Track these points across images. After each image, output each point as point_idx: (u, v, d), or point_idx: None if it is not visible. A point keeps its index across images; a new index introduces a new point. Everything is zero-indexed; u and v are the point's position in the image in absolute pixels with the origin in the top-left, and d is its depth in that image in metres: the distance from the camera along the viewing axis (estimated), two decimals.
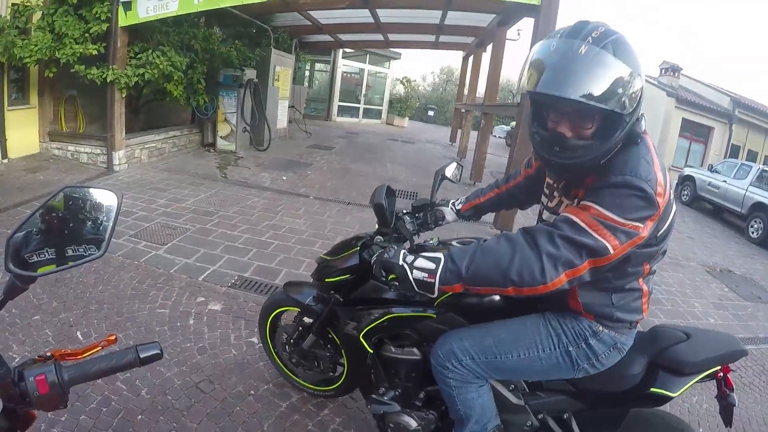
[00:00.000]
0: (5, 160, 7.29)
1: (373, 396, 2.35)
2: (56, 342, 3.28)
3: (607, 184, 1.54)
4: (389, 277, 1.77)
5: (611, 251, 1.50)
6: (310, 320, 2.73)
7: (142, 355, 1.02)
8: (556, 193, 1.89)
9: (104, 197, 1.08)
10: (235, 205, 6.74)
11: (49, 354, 1.02)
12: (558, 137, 1.63)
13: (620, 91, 1.48)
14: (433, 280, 1.63)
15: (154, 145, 8.74)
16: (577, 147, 1.61)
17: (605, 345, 1.83)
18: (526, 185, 2.37)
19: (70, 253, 1.02)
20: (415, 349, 2.24)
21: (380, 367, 2.37)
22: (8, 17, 7.05)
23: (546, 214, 1.94)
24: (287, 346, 2.91)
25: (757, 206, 11.69)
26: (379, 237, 2.22)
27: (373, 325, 2.24)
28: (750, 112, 21.72)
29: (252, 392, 3.07)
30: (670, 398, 1.91)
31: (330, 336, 2.75)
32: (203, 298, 4.11)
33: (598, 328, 1.82)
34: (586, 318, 1.84)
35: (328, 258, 2.40)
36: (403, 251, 1.74)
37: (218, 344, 3.51)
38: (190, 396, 2.97)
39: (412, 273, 1.66)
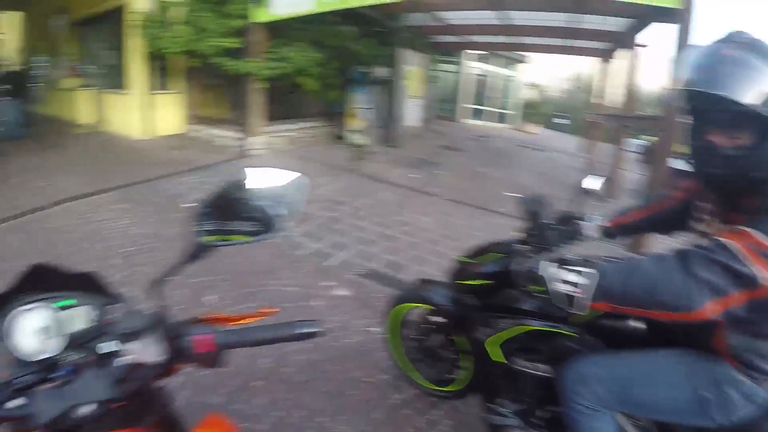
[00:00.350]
0: (151, 137, 7.98)
1: (493, 406, 2.30)
2: (188, 304, 3.49)
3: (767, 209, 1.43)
4: (535, 289, 1.71)
5: None
6: (440, 319, 2.70)
7: (303, 331, 1.03)
8: (708, 218, 1.77)
9: (294, 179, 1.12)
10: (365, 198, 6.90)
11: (205, 318, 1.07)
12: (713, 147, 1.54)
13: None
14: (580, 295, 1.54)
15: (288, 134, 9.19)
16: (733, 157, 1.51)
17: (744, 397, 1.66)
18: (676, 209, 2.19)
19: (246, 228, 1.06)
20: (546, 366, 2.14)
21: (508, 377, 2.28)
22: (154, 12, 7.75)
23: (697, 240, 1.78)
24: (411, 341, 2.91)
25: None
26: (523, 245, 2.12)
27: (507, 334, 2.17)
28: None
29: (367, 379, 3.10)
30: None
31: (456, 338, 2.70)
32: (330, 283, 4.22)
33: (739, 377, 1.65)
34: (728, 363, 1.68)
35: (467, 260, 2.36)
36: (549, 262, 1.67)
37: (341, 328, 3.59)
38: (308, 372, 3.06)
39: (560, 286, 1.59)
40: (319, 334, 1.04)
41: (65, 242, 4.71)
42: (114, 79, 10.41)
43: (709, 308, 1.37)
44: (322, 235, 5.21)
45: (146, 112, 9.16)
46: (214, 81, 9.01)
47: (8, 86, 9.80)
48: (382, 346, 3.30)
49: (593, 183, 2.38)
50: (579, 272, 1.56)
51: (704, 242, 1.55)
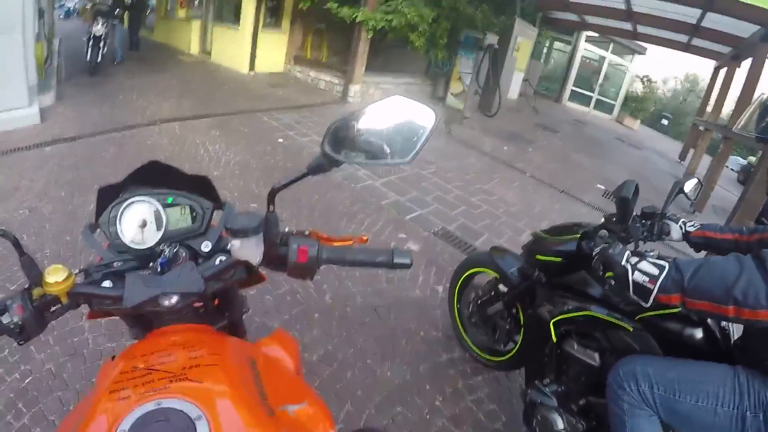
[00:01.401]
0: (252, 72, 8.17)
1: (537, 383, 2.29)
2: None
3: None
4: (606, 274, 1.70)
5: None
6: (505, 289, 2.69)
7: (396, 260, 1.05)
8: None
9: (425, 113, 1.08)
10: (453, 160, 6.87)
11: (307, 232, 1.09)
12: None
13: None
14: (652, 286, 1.53)
15: (387, 86, 9.18)
16: None
17: None
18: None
19: (381, 154, 1.05)
20: (596, 355, 2.12)
21: (556, 358, 2.29)
22: None
23: None
24: (472, 305, 2.93)
25: None
26: (604, 231, 2.07)
27: (567, 315, 2.15)
28: None
29: (421, 333, 3.15)
30: None
31: (516, 311, 2.70)
32: (405, 235, 4.28)
33: None
34: None
35: (545, 236, 2.33)
36: (627, 251, 1.65)
37: (406, 280, 3.65)
38: (366, 315, 3.16)
39: (633, 274, 1.58)
40: (406, 266, 1.06)
41: (154, 158, 4.94)
42: (224, 12, 10.81)
43: None
44: (406, 190, 5.26)
45: (252, 48, 9.36)
46: (321, 25, 9.08)
47: (122, 11, 10.30)
48: (442, 305, 3.35)
49: (690, 186, 2.34)
50: (653, 263, 1.55)
51: None
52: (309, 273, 1.05)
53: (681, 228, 2.30)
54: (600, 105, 22.73)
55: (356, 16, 7.63)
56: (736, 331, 1.89)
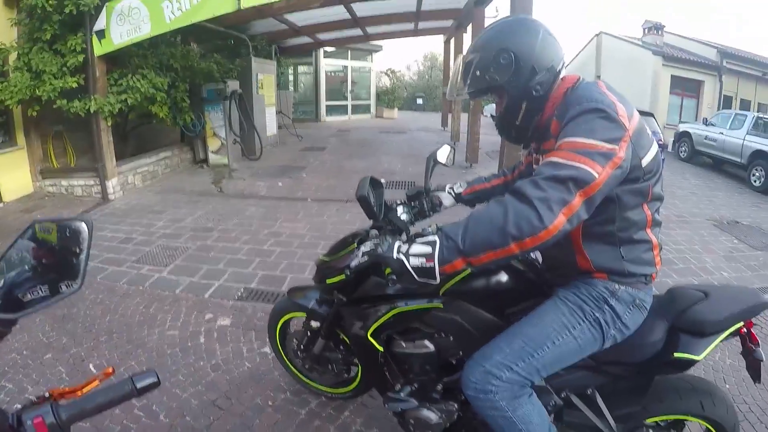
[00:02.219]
0: (1, 204, 7.24)
1: (390, 394, 2.29)
2: (70, 378, 3.22)
3: (569, 119, 1.58)
4: (386, 272, 1.73)
5: (596, 175, 1.45)
6: (317, 324, 2.67)
7: (138, 385, 1.00)
8: (536, 156, 1.94)
9: (75, 227, 1.01)
10: (233, 218, 6.69)
11: (47, 394, 0.98)
12: (497, 117, 1.92)
13: (479, 72, 1.79)
14: (432, 264, 1.53)
15: (146, 168, 8.67)
16: (502, 118, 1.89)
17: (625, 303, 1.78)
18: (528, 173, 2.24)
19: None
20: (426, 342, 2.17)
21: (393, 363, 2.31)
22: None
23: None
24: (299, 353, 2.86)
25: (757, 154, 11.59)
26: (374, 231, 2.12)
27: (379, 322, 2.17)
28: (738, 61, 21.55)
29: (270, 403, 3.02)
30: (695, 362, 1.84)
31: (340, 337, 2.69)
32: (211, 315, 4.06)
33: (614, 287, 1.77)
34: (599, 279, 1.79)
35: (326, 259, 2.33)
36: (398, 243, 1.64)
37: (231, 359, 3.46)
38: (209, 414, 2.92)
39: (409, 261, 1.56)
40: (154, 386, 1.02)
41: None
42: None
43: (559, 221, 1.42)
44: (195, 268, 4.98)
45: None
46: (59, 127, 8.26)
47: None
48: (276, 365, 3.24)
49: (444, 154, 2.42)
50: (423, 242, 1.58)
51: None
52: None
53: (451, 194, 2.43)
54: (357, 109, 23.99)
55: (89, 107, 7.04)
56: (538, 256, 2.06)
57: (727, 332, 1.86)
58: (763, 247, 6.51)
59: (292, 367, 3.05)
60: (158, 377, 1.02)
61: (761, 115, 12.90)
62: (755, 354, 1.90)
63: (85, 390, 1.02)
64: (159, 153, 9.25)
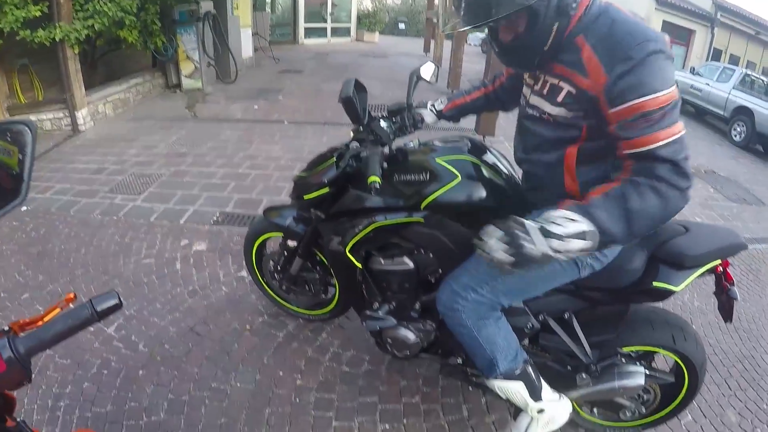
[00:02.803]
0: None
1: (367, 312, 2.25)
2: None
3: (636, 64, 1.38)
4: (369, 181, 1.68)
5: (683, 131, 1.41)
6: (294, 243, 2.57)
7: (98, 309, 0.91)
8: (539, 74, 1.71)
9: (16, 131, 0.91)
10: (208, 142, 6.45)
11: (6, 328, 0.91)
12: (499, 44, 1.65)
13: None
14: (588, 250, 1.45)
15: (117, 96, 8.25)
16: (512, 45, 1.61)
17: None
18: (510, 84, 2.19)
19: None
20: (405, 258, 2.09)
21: (371, 281, 2.24)
22: None
23: (534, 99, 1.73)
24: (275, 274, 2.78)
25: (740, 110, 11.49)
26: (354, 143, 2.02)
27: (358, 237, 2.09)
28: (732, 16, 21.15)
29: (248, 327, 2.97)
30: (672, 292, 1.84)
31: (317, 257, 2.62)
32: (187, 241, 3.95)
33: None
34: None
35: (304, 174, 2.22)
36: (539, 236, 1.41)
37: (208, 284, 3.39)
38: (187, 341, 2.87)
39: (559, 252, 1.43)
40: (116, 308, 0.94)
41: None
42: None
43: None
44: (170, 194, 4.81)
45: None
46: (24, 60, 7.74)
47: None
48: (254, 288, 3.17)
49: (427, 71, 2.29)
50: (570, 235, 1.40)
51: (541, 103, 1.67)
52: (22, 375, 0.86)
53: (432, 110, 2.34)
54: (336, 32, 22.86)
55: (54, 35, 6.58)
56: (523, 180, 1.98)
57: (704, 267, 1.86)
58: (737, 199, 6.53)
59: (269, 290, 2.98)
60: (120, 299, 0.94)
61: (749, 72, 12.72)
62: (730, 292, 1.90)
63: (46, 319, 0.95)
64: (130, 80, 8.79)
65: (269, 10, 19.16)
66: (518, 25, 1.54)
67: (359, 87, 2.06)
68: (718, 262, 1.88)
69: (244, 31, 12.35)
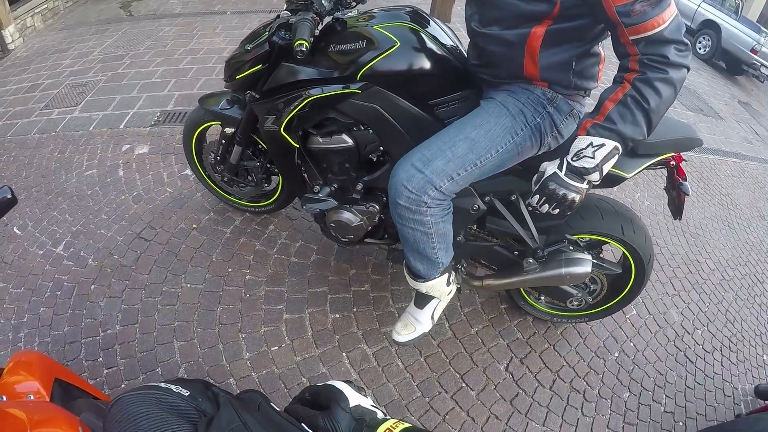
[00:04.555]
0: None
1: (307, 195, 2.07)
2: None
3: None
4: (296, 43, 1.54)
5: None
6: (232, 129, 2.34)
7: None
8: None
9: None
10: (145, 41, 5.90)
11: None
12: None
13: None
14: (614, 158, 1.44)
15: (45, 6, 7.47)
16: None
17: (562, 112, 1.65)
18: None
19: None
20: (344, 136, 1.90)
21: (310, 162, 2.05)
22: None
23: None
24: (216, 166, 2.56)
25: (707, 23, 10.99)
26: (285, 13, 1.76)
27: (292, 113, 1.89)
28: None
29: (194, 226, 2.80)
30: (623, 179, 1.80)
31: (258, 144, 2.40)
32: (128, 146, 3.65)
33: (553, 95, 1.63)
34: (539, 86, 1.63)
35: (236, 53, 1.97)
36: (571, 174, 1.47)
37: (152, 187, 3.16)
38: (135, 248, 2.70)
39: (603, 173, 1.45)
40: (12, 201, 0.91)
41: None
42: None
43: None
44: (108, 100, 4.41)
45: None
46: None
47: None
48: (198, 186, 2.96)
49: None
50: (604, 156, 1.42)
51: None
52: None
53: None
54: None
55: None
56: (472, 55, 1.77)
57: (658, 158, 1.82)
58: (695, 109, 6.52)
59: (212, 184, 2.77)
60: (13, 193, 0.91)
61: None
62: (681, 187, 1.87)
63: None
64: None
65: None
66: None
67: None
68: (672, 154, 1.83)
69: None
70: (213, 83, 4.52)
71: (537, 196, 1.52)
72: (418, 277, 1.88)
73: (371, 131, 1.87)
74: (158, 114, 4.07)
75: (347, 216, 2.02)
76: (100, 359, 2.19)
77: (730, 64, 10.69)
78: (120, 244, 2.73)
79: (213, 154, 2.54)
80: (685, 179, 1.88)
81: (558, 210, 1.50)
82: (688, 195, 1.88)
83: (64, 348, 2.25)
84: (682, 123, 1.94)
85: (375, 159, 2.00)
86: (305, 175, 2.15)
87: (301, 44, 1.52)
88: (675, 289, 2.96)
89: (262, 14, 6.68)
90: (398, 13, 1.82)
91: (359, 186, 2.03)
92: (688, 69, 1.36)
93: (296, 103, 1.86)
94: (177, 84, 4.59)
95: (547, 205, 1.50)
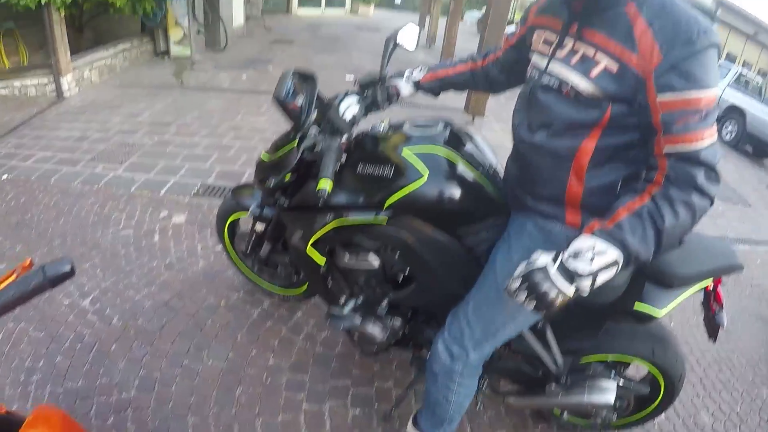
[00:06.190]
0: None
1: (332, 310, 2.04)
2: None
3: (692, 54, 1.19)
4: (318, 187, 1.48)
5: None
6: (262, 226, 2.36)
7: (50, 275, 0.85)
8: (567, 40, 1.42)
9: None
10: (193, 111, 6.20)
11: None
12: None
13: None
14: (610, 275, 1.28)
15: (103, 62, 7.90)
16: None
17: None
18: (505, 60, 1.86)
19: None
20: (371, 256, 1.89)
21: (340, 276, 2.06)
22: None
23: (556, 66, 1.43)
24: (247, 257, 2.63)
25: (733, 109, 11.13)
26: (314, 128, 1.79)
27: (318, 234, 1.88)
28: (733, 13, 21.04)
29: (223, 303, 2.84)
30: (653, 318, 1.65)
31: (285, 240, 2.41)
32: (166, 212, 3.77)
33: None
34: (570, 228, 1.50)
35: (265, 158, 1.97)
36: (556, 272, 1.27)
37: (185, 257, 3.23)
38: (162, 316, 2.73)
39: (595, 283, 1.27)
40: (68, 275, 0.86)
41: None
42: None
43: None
44: (152, 164, 4.60)
45: None
46: (10, 24, 7.31)
47: None
48: (230, 263, 3.03)
49: (406, 35, 1.99)
50: (603, 266, 1.25)
51: (561, 73, 1.39)
52: None
53: (408, 80, 2.01)
54: (331, 3, 22.33)
55: None
56: (512, 168, 1.68)
57: (694, 288, 1.68)
58: (723, 198, 6.39)
59: (244, 268, 2.83)
60: (73, 266, 0.87)
61: (744, 72, 12.34)
62: (717, 318, 1.74)
63: (0, 287, 0.86)
64: (117, 45, 8.41)
65: None
66: None
67: (305, 77, 1.84)
68: (710, 281, 1.71)
69: None
70: (253, 162, 4.60)
71: (518, 283, 1.32)
72: (420, 420, 1.91)
73: (397, 255, 1.84)
74: (198, 185, 4.22)
75: (371, 331, 2.00)
76: (111, 421, 2.16)
77: (757, 148, 10.62)
78: (147, 309, 2.76)
79: (245, 244, 2.58)
80: (722, 307, 1.76)
81: (533, 306, 1.31)
82: (722, 327, 1.76)
83: (75, 402, 2.22)
84: (719, 244, 1.85)
85: (401, 278, 1.98)
86: (331, 285, 2.14)
87: (323, 188, 1.46)
88: (705, 389, 2.86)
89: None
90: (432, 134, 1.73)
91: (385, 302, 2.01)
92: (712, 202, 1.27)
93: (323, 224, 1.85)
94: (219, 158, 4.78)
95: (524, 296, 1.31)
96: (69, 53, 6.97)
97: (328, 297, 2.20)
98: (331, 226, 1.83)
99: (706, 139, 1.21)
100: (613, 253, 1.24)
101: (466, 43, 12.18)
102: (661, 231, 1.23)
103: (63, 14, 6.63)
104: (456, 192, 1.63)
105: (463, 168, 1.66)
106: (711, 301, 1.76)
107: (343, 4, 23.15)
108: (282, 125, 1.86)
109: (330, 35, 14.17)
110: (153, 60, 9.38)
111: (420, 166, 1.62)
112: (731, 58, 20.86)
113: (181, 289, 2.93)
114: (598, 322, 1.76)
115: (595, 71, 1.31)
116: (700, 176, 1.22)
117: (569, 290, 1.26)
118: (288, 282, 2.72)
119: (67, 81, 6.91)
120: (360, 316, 2.00)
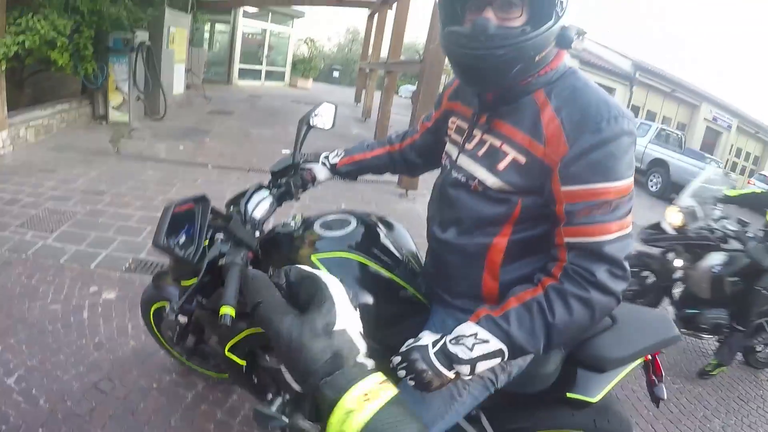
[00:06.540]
0: None
1: (258, 408, 2.00)
2: None
3: (604, 141, 1.14)
4: (221, 313, 1.23)
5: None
6: (185, 319, 2.26)
7: None
8: (476, 131, 1.38)
9: None
10: (128, 181, 6.19)
11: None
12: (483, 25, 1.15)
13: None
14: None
15: (40, 121, 7.75)
16: (507, 33, 1.16)
17: None
18: (422, 144, 1.84)
19: None
20: None
21: (262, 374, 2.00)
22: None
23: (463, 160, 1.40)
24: (174, 346, 2.58)
25: (656, 162, 12.22)
26: (220, 235, 1.60)
27: (234, 340, 1.81)
28: (650, 75, 22.97)
29: (155, 385, 2.83)
30: (588, 405, 1.59)
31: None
32: (96, 288, 3.73)
33: None
34: None
35: (180, 253, 1.77)
36: (437, 361, 1.25)
37: (115, 336, 3.21)
38: (91, 399, 2.69)
39: (475, 370, 1.24)
40: None
41: None
42: None
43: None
44: (83, 235, 4.55)
45: None
46: None
47: None
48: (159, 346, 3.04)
49: (322, 115, 1.99)
50: (484, 356, 1.22)
51: (470, 165, 1.36)
52: None
53: (325, 164, 1.95)
54: (270, 75, 22.97)
55: None
56: (429, 263, 1.63)
57: (630, 368, 1.64)
58: None
59: (174, 352, 2.82)
60: None
61: (664, 127, 13.70)
62: (656, 391, 1.71)
63: None
64: (56, 105, 8.27)
65: (206, 47, 18.87)
66: (514, 13, 1.18)
67: (198, 199, 1.71)
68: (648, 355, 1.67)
69: (177, 66, 12.09)
70: None
71: (398, 359, 1.30)
72: None
73: None
74: (131, 260, 4.21)
75: (301, 426, 1.97)
76: None
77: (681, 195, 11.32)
78: (75, 391, 2.72)
79: (170, 333, 2.50)
80: (662, 378, 1.71)
81: (413, 383, 1.27)
82: (663, 399, 1.71)
83: None
84: (657, 317, 1.80)
85: None
86: (256, 383, 2.06)
87: (225, 314, 1.22)
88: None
89: (240, 171, 7.15)
90: (342, 235, 1.63)
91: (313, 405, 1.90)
92: (618, 300, 1.19)
93: (237, 331, 1.77)
94: (153, 232, 4.66)
95: (404, 373, 1.27)
96: (6, 109, 6.84)
97: (254, 393, 2.12)
98: (245, 333, 1.76)
99: (614, 233, 1.16)
100: (496, 344, 1.20)
101: (401, 117, 12.65)
102: (551, 325, 1.17)
103: (3, 68, 6.57)
104: (368, 298, 1.53)
105: (375, 271, 1.57)
106: (650, 373, 1.72)
107: (282, 78, 23.77)
108: (218, 200, 1.76)
109: (268, 107, 14.47)
110: (91, 124, 9.30)
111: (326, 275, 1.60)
112: (651, 116, 22.76)
113: (111, 370, 2.90)
114: (531, 409, 1.73)
115: (503, 164, 1.27)
116: (601, 272, 1.16)
117: (447, 373, 1.23)
118: (219, 368, 2.73)
119: (2, 138, 6.74)
120: (287, 416, 2.01)
